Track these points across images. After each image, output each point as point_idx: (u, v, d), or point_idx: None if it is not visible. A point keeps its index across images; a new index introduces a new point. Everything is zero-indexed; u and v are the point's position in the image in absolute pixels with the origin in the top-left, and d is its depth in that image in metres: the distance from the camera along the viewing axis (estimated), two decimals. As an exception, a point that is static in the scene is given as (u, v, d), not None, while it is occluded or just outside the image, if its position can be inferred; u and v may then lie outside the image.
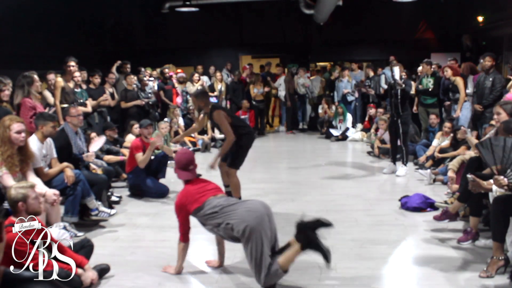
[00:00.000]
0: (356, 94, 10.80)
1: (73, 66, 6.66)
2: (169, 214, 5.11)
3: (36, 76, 5.58)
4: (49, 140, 4.67)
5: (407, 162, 6.86)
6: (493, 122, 5.50)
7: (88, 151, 5.35)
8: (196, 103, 5.36)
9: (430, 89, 8.13)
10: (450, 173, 5.25)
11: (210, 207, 3.33)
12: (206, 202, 3.37)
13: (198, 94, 5.40)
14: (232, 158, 5.22)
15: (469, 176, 3.61)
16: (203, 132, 9.49)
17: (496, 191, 3.57)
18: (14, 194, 3.17)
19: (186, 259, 3.92)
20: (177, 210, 3.49)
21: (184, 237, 3.54)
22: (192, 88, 10.13)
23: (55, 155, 4.74)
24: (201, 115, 5.63)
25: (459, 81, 7.51)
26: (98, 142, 5.84)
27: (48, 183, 4.36)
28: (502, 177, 3.32)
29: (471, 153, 5.35)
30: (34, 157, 4.23)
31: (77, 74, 6.86)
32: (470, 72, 7.55)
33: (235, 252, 4.00)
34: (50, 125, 4.58)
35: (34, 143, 4.39)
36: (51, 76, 6.52)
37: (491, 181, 3.49)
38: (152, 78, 9.52)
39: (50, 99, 6.40)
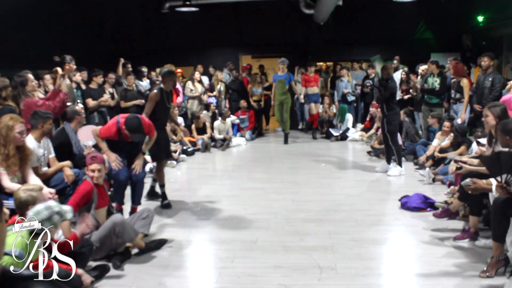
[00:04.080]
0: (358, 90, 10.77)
1: (69, 64, 6.50)
2: (169, 213, 5.15)
3: (30, 75, 5.26)
4: (45, 139, 4.64)
5: (400, 162, 6.76)
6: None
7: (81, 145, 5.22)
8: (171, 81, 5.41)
9: (436, 89, 8.03)
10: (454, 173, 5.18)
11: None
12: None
13: (171, 71, 5.56)
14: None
15: (463, 182, 3.61)
16: (203, 132, 9.48)
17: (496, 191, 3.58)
18: (24, 197, 3.16)
19: (186, 259, 3.93)
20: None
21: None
22: (191, 88, 10.12)
23: (53, 153, 4.71)
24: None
25: (465, 83, 7.43)
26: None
27: (48, 182, 4.35)
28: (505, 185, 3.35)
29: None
30: (33, 156, 4.22)
31: (77, 75, 6.82)
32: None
33: (235, 252, 4.02)
34: (49, 122, 4.56)
35: (30, 143, 4.35)
36: (47, 77, 6.47)
37: (490, 180, 3.50)
38: (145, 73, 9.53)
39: None
